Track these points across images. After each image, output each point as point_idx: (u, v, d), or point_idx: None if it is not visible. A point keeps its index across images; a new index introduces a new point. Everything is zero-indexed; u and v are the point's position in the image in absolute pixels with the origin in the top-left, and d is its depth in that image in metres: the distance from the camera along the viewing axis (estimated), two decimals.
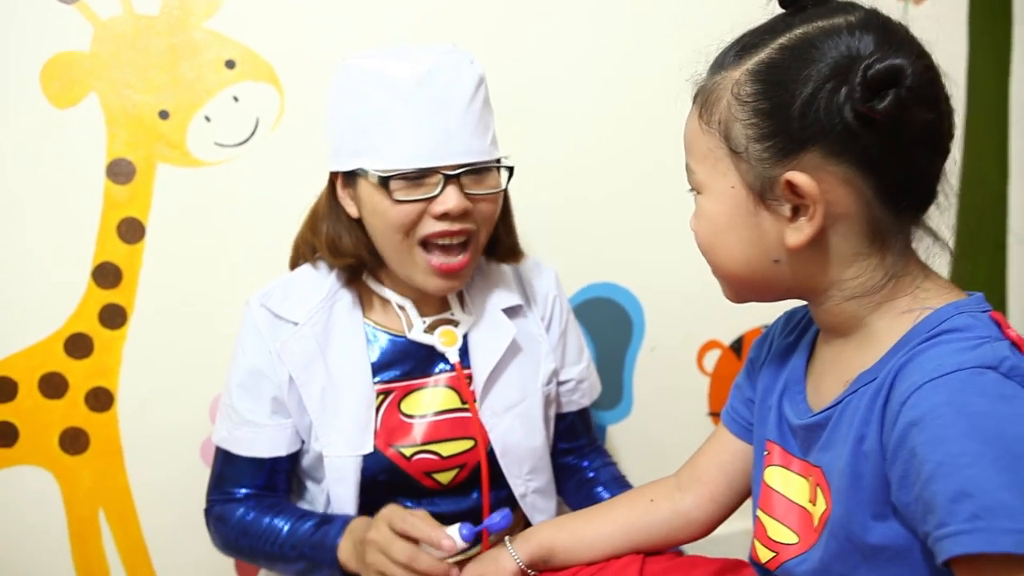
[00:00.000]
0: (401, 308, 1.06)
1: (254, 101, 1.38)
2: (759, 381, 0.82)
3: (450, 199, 0.94)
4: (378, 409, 1.04)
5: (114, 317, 1.38)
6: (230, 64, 1.37)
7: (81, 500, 1.40)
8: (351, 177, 1.00)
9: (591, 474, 1.16)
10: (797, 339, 0.79)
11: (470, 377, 1.07)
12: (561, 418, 1.16)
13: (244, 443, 1.06)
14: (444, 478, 1.04)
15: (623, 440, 1.64)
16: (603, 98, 1.52)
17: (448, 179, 0.94)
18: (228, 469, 1.08)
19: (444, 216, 0.95)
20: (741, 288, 0.72)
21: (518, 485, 1.05)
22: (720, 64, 0.68)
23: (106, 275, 1.36)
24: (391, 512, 0.89)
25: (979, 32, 1.77)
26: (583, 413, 1.19)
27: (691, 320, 1.62)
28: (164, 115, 1.35)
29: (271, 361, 1.04)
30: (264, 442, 1.05)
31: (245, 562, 1.14)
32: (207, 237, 1.39)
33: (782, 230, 0.65)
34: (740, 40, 0.68)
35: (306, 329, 1.03)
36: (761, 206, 0.66)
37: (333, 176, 1.03)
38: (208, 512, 1.10)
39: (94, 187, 1.34)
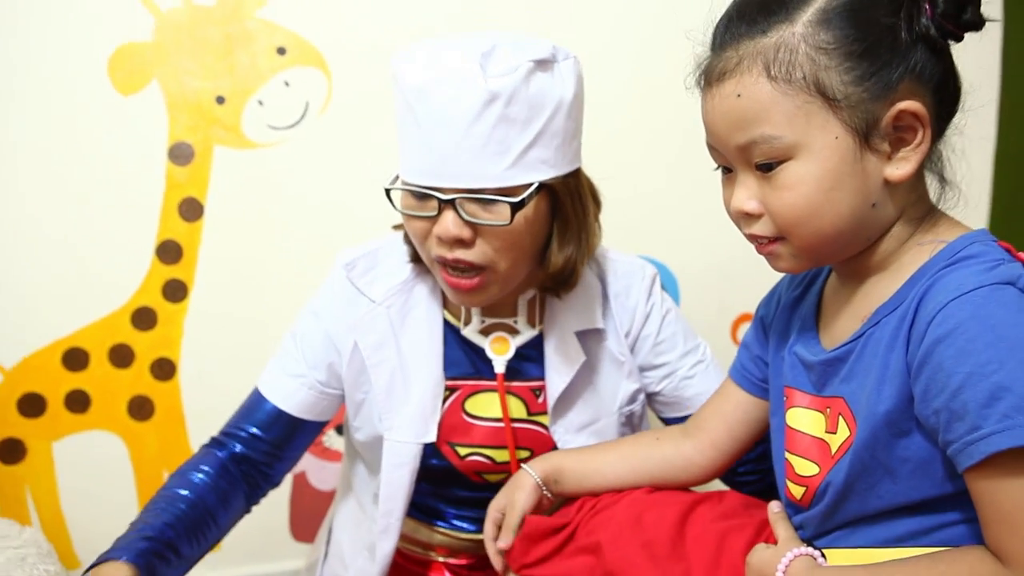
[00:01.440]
0: None
1: (304, 86, 1.46)
2: (771, 336, 0.85)
3: (445, 225, 0.85)
4: (443, 404, 1.00)
5: (176, 292, 1.47)
6: (281, 51, 1.45)
7: (147, 463, 1.49)
8: None
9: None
10: (805, 290, 0.82)
11: (536, 389, 1.01)
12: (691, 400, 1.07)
13: (282, 391, 1.02)
14: (493, 478, 1.02)
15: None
16: (638, 78, 1.56)
17: (443, 204, 0.85)
18: (249, 411, 1.04)
19: (442, 241, 0.87)
20: (824, 251, 0.70)
21: None
22: (759, 26, 0.66)
23: (168, 252, 1.45)
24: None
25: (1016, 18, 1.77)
26: None
27: (725, 293, 1.66)
28: (220, 100, 1.44)
29: (339, 329, 1.01)
30: (297, 399, 1.01)
31: None
32: (261, 214, 1.47)
33: (882, 169, 0.66)
34: (763, 3, 0.67)
35: (382, 309, 1.00)
36: (866, 149, 0.65)
37: None
38: (211, 441, 1.05)
39: (157, 169, 1.43)
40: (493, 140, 0.83)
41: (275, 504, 1.54)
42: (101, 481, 1.48)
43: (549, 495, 0.94)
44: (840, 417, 0.71)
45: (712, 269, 1.64)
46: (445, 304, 1.02)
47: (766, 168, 0.67)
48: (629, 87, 1.57)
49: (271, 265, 1.48)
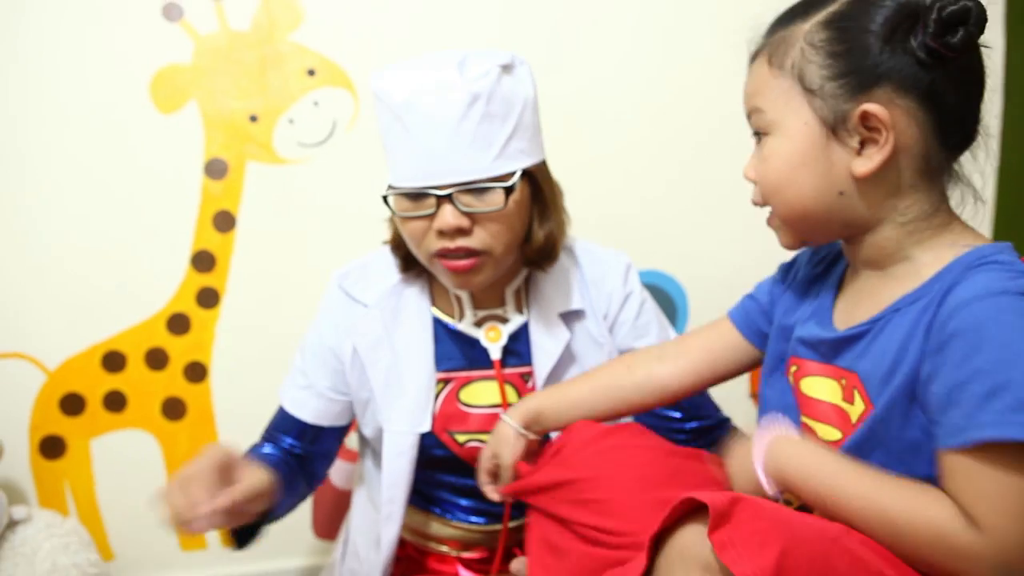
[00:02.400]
0: (457, 298, 1.08)
1: (332, 105, 1.54)
2: (780, 301, 0.90)
3: (445, 218, 0.94)
4: (438, 395, 1.07)
5: (209, 299, 1.55)
6: (311, 72, 1.53)
7: (179, 461, 1.57)
8: None
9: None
10: (825, 271, 0.87)
11: (525, 375, 1.09)
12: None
13: (296, 403, 1.12)
14: None
15: None
16: (649, 97, 1.63)
17: (440, 199, 0.94)
18: (279, 420, 1.15)
19: (442, 234, 0.96)
20: (801, 227, 0.78)
21: None
22: (784, 22, 0.76)
23: (203, 261, 1.54)
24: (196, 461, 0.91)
25: (1017, 27, 1.82)
26: None
27: (732, 306, 1.71)
28: (254, 119, 1.52)
29: (339, 337, 1.09)
30: (310, 408, 1.11)
31: None
32: (291, 227, 1.56)
33: (850, 162, 0.73)
34: (803, 2, 0.77)
35: (375, 312, 1.08)
36: (833, 139, 0.73)
37: None
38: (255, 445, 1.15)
39: (193, 183, 1.52)
40: (479, 136, 0.93)
41: None
42: (135, 478, 1.56)
43: (533, 436, 0.98)
44: (855, 390, 0.76)
45: (721, 282, 1.70)
46: (434, 303, 1.10)
47: (758, 138, 0.78)
48: (639, 116, 1.64)
49: (299, 275, 1.56)
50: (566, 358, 1.08)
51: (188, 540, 1.59)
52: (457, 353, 1.09)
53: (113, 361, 1.53)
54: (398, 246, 1.08)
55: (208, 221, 1.53)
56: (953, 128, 0.73)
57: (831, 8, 0.73)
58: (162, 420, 1.56)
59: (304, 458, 1.13)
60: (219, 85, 1.51)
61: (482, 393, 1.09)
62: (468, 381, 1.09)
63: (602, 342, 1.10)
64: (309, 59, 1.53)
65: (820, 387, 0.80)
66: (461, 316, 1.08)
